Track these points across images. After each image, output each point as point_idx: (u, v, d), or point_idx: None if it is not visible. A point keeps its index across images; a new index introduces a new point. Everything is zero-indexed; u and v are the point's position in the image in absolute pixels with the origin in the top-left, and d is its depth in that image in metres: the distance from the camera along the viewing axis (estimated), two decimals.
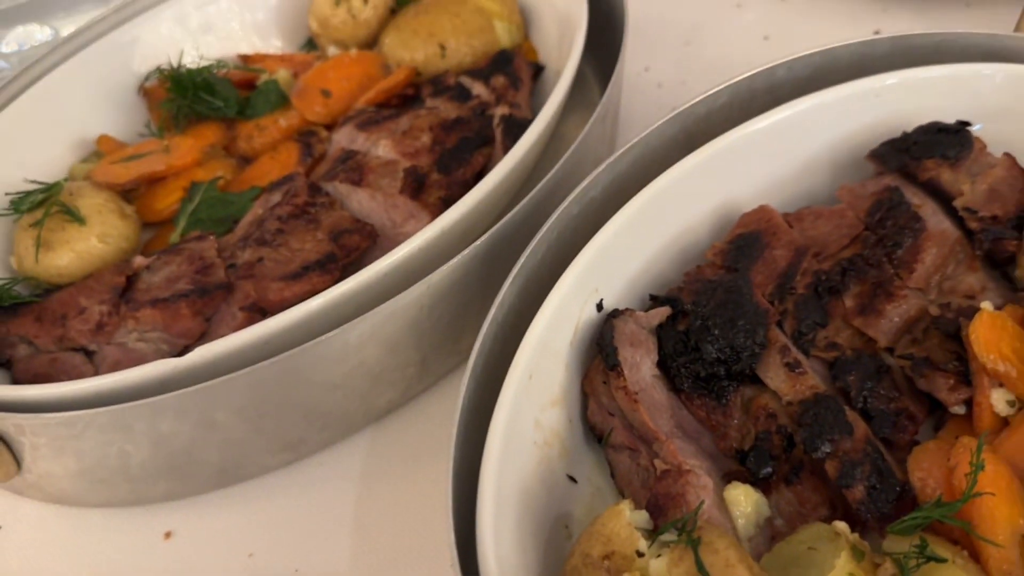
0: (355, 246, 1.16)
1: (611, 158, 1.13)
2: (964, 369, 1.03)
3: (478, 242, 1.05)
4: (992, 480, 0.89)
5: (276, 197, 1.24)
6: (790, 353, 1.04)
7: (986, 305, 1.03)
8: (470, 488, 0.89)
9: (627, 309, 1.08)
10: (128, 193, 1.34)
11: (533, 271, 1.06)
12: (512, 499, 0.92)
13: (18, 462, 1.02)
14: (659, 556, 0.85)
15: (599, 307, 1.09)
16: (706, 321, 1.05)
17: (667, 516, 0.91)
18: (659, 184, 1.14)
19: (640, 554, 0.85)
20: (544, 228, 1.06)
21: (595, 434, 1.06)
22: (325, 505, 1.09)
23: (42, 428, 0.97)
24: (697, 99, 1.21)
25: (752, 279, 1.10)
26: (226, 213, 1.30)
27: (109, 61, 1.43)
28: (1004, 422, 0.98)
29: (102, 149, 1.41)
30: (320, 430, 1.10)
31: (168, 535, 1.09)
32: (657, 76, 1.58)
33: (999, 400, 0.99)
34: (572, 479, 1.03)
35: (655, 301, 1.12)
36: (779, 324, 1.08)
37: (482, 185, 1.13)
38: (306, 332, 1.02)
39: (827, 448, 0.95)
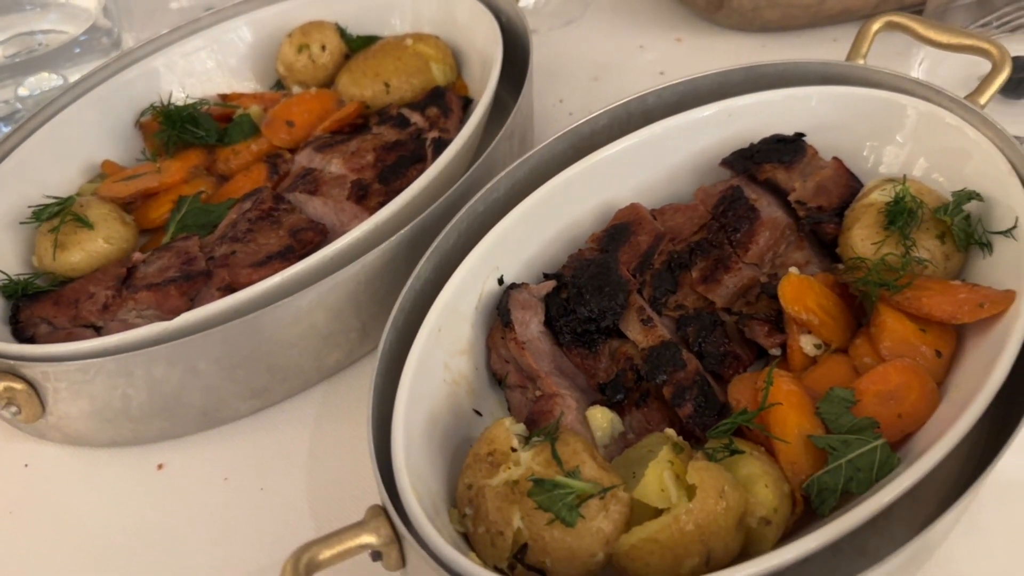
0: (310, 240, 1.43)
1: (511, 167, 1.42)
2: (779, 320, 1.32)
3: (403, 231, 1.32)
4: (785, 396, 1.14)
5: (247, 205, 1.48)
6: (645, 312, 1.31)
7: (793, 270, 1.31)
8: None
9: (523, 283, 1.36)
10: (128, 205, 1.50)
11: (446, 253, 1.31)
12: (423, 422, 1.18)
13: (43, 405, 1.29)
14: (527, 451, 1.13)
15: (500, 281, 1.35)
16: (581, 290, 1.33)
17: (539, 427, 1.20)
18: (549, 186, 1.36)
19: (514, 450, 1.14)
20: (454, 219, 1.34)
21: (496, 379, 1.32)
22: (286, 441, 1.34)
23: (63, 374, 1.18)
24: (582, 120, 1.48)
25: (619, 258, 1.35)
26: (207, 220, 1.51)
27: (111, 100, 1.61)
28: (812, 362, 1.17)
29: (106, 171, 1.58)
30: (281, 381, 1.35)
31: (160, 466, 1.34)
32: (569, 107, 1.87)
33: (807, 343, 1.18)
34: (478, 413, 1.28)
35: (546, 278, 1.42)
36: (639, 292, 1.31)
37: (410, 189, 1.41)
38: (268, 301, 1.30)
39: (664, 377, 1.24)
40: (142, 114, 1.70)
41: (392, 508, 0.96)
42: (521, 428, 1.08)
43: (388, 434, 1.05)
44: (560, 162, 1.37)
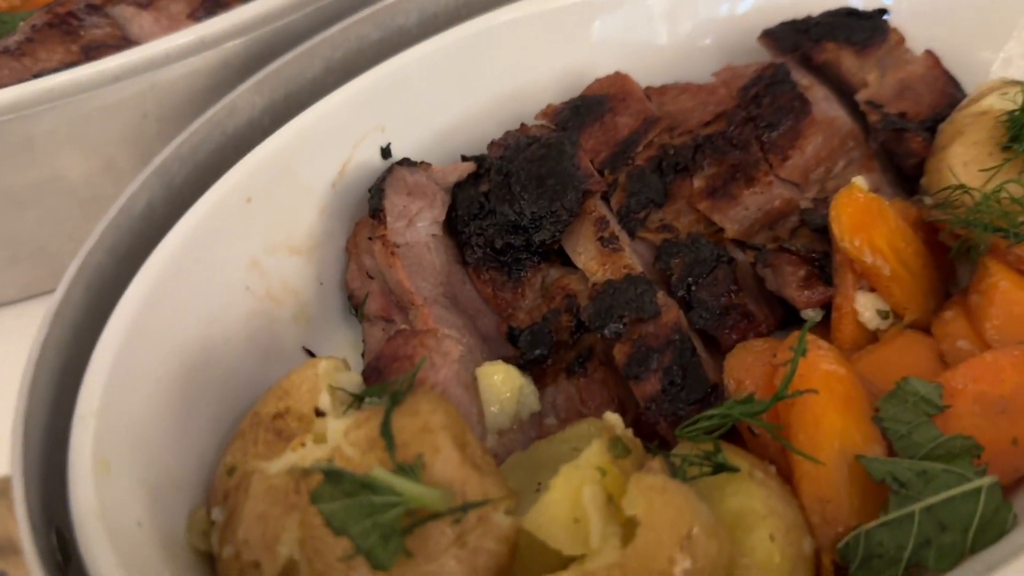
0: None
1: None
2: (825, 264, 0.80)
3: (231, 42, 0.83)
4: (824, 380, 0.68)
5: (42, 10, 1.02)
6: (608, 227, 0.82)
7: (859, 180, 0.81)
8: None
9: (423, 162, 0.87)
10: None
11: (299, 91, 0.86)
12: (181, 352, 0.69)
13: None
14: (343, 419, 0.62)
15: (385, 153, 0.88)
16: (510, 178, 0.84)
17: (384, 380, 0.68)
18: (490, 21, 0.93)
19: (320, 414, 0.62)
20: (318, 38, 0.84)
21: (352, 304, 0.84)
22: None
23: None
24: None
25: (582, 142, 0.89)
26: None
27: None
28: (872, 338, 0.82)
29: None
30: (9, 263, 0.87)
31: None
32: None
33: (866, 306, 0.83)
34: (310, 353, 0.81)
35: (464, 160, 0.90)
36: (605, 197, 0.87)
37: None
38: None
39: (617, 327, 0.73)
40: None
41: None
42: (351, 379, 0.66)
43: None
44: None
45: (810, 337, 0.73)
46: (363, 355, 0.82)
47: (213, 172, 0.76)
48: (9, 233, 0.87)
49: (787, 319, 0.85)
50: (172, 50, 0.86)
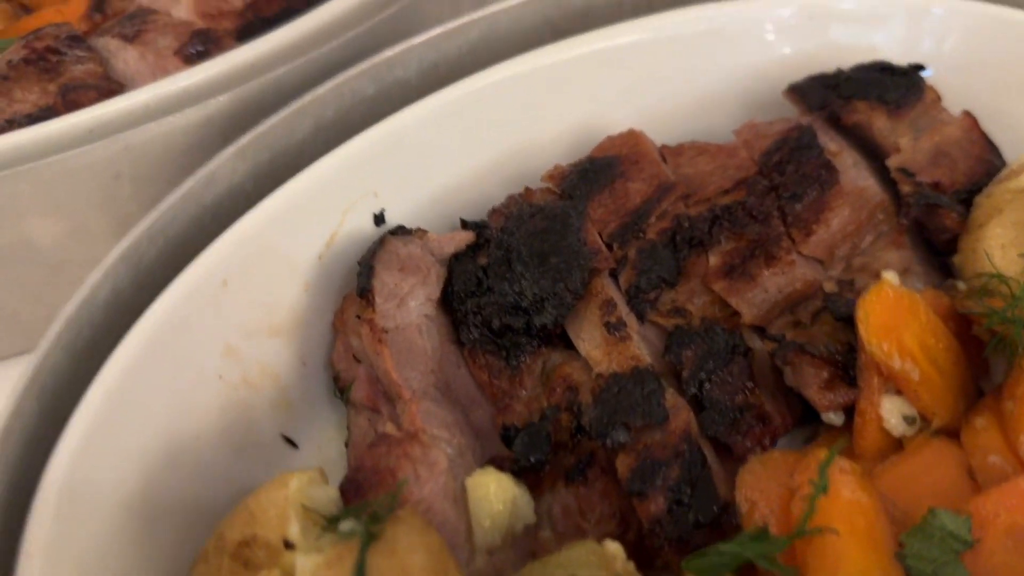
0: (88, 105, 0.88)
1: (435, 31, 0.85)
2: (849, 363, 0.74)
3: (215, 99, 0.77)
4: (845, 514, 0.61)
5: (20, 44, 0.96)
6: (615, 311, 0.76)
7: (889, 275, 0.74)
8: None
9: (418, 229, 0.80)
10: None
11: (286, 153, 0.78)
12: (150, 452, 0.63)
13: None
14: (315, 552, 0.56)
15: (378, 220, 0.81)
16: (510, 253, 0.77)
17: (365, 498, 0.62)
18: (496, 75, 0.86)
19: (289, 545, 0.57)
20: (309, 96, 0.78)
21: (337, 386, 0.78)
22: None
23: None
24: None
25: (590, 212, 0.82)
26: None
27: None
28: (897, 445, 0.76)
29: None
30: None
31: None
32: None
33: (892, 412, 0.77)
34: (290, 442, 0.75)
35: (464, 227, 0.84)
36: (613, 274, 0.81)
37: (260, 41, 0.84)
38: None
39: (621, 436, 0.67)
40: None
41: None
42: (327, 494, 0.63)
43: None
44: (523, 45, 0.92)
45: (838, 461, 0.67)
46: (346, 444, 0.76)
47: (187, 249, 0.69)
48: None
49: (805, 414, 0.79)
50: (152, 102, 0.79)
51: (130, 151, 0.77)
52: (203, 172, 0.70)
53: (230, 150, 0.72)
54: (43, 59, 0.94)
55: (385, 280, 0.76)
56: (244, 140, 0.73)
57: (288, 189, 0.73)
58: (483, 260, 0.81)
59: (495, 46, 0.91)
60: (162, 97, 0.80)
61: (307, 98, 0.78)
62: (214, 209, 0.72)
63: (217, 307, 0.68)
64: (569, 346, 0.79)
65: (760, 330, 0.82)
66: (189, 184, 0.70)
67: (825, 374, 0.74)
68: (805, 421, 0.79)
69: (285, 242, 0.74)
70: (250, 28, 1.01)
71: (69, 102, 0.89)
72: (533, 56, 0.89)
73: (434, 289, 0.79)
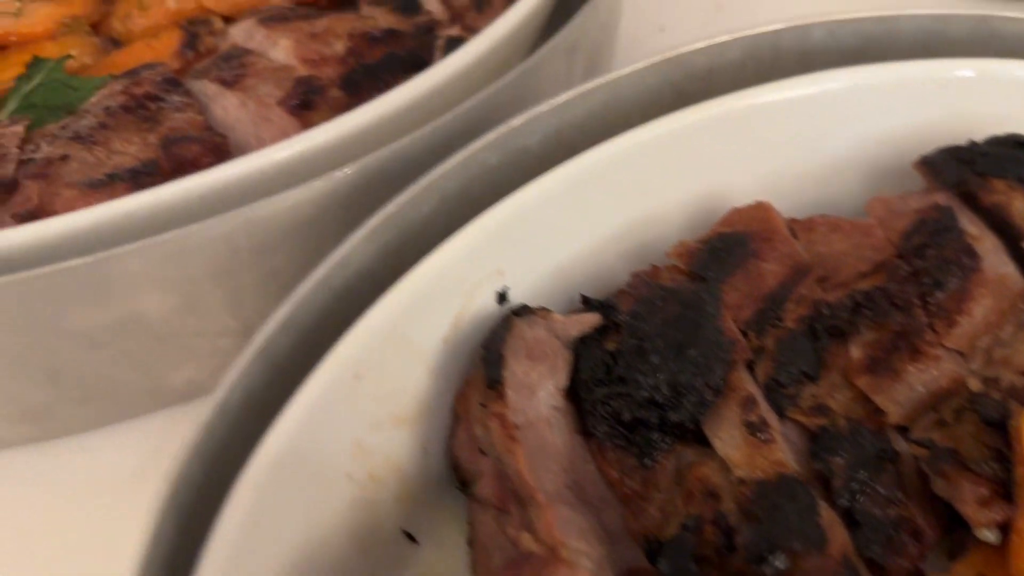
0: (191, 159, 0.85)
1: (559, 98, 0.81)
2: (1006, 477, 0.69)
3: (345, 170, 0.73)
4: None
5: (117, 86, 0.92)
6: (755, 409, 0.71)
7: None
8: None
9: (542, 308, 0.76)
10: None
11: (411, 229, 0.74)
12: (288, 572, 0.59)
13: None
14: None
15: (501, 298, 0.77)
16: (644, 342, 0.73)
17: None
18: (621, 145, 0.82)
19: None
20: (438, 171, 0.73)
21: (457, 477, 0.74)
22: (73, 502, 0.77)
23: None
24: (697, 46, 0.89)
25: (724, 296, 0.77)
26: (66, 100, 0.98)
27: None
28: None
29: None
30: (79, 402, 0.78)
31: None
32: (673, 37, 1.25)
33: None
34: (410, 537, 0.71)
35: (587, 305, 0.80)
36: (749, 366, 0.75)
37: (377, 103, 0.81)
38: (85, 250, 0.71)
39: (780, 563, 0.62)
40: None
41: None
42: None
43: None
44: (646, 108, 0.86)
45: None
46: (468, 542, 0.72)
47: (319, 337, 0.65)
48: (79, 374, 0.76)
49: (949, 524, 0.75)
50: (268, 167, 0.75)
51: (251, 224, 0.72)
52: (336, 257, 0.66)
53: (361, 233, 0.68)
54: (142, 107, 0.90)
55: (515, 370, 0.71)
56: (374, 221, 0.69)
57: (418, 274, 0.68)
58: (611, 345, 0.76)
59: (619, 109, 0.87)
60: (279, 163, 0.76)
61: (436, 173, 0.73)
62: (343, 293, 0.68)
63: (350, 403, 0.64)
64: (700, 440, 0.75)
65: (902, 429, 0.77)
66: (322, 271, 0.65)
67: (984, 491, 0.70)
68: (948, 529, 0.75)
69: (415, 328, 0.69)
70: (353, 77, 0.97)
71: (172, 155, 0.84)
72: (656, 124, 0.85)
73: (562, 377, 0.74)
